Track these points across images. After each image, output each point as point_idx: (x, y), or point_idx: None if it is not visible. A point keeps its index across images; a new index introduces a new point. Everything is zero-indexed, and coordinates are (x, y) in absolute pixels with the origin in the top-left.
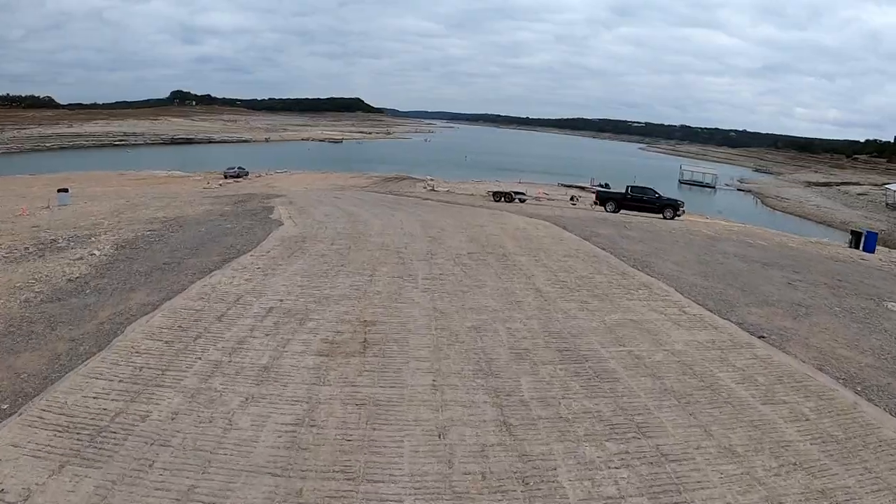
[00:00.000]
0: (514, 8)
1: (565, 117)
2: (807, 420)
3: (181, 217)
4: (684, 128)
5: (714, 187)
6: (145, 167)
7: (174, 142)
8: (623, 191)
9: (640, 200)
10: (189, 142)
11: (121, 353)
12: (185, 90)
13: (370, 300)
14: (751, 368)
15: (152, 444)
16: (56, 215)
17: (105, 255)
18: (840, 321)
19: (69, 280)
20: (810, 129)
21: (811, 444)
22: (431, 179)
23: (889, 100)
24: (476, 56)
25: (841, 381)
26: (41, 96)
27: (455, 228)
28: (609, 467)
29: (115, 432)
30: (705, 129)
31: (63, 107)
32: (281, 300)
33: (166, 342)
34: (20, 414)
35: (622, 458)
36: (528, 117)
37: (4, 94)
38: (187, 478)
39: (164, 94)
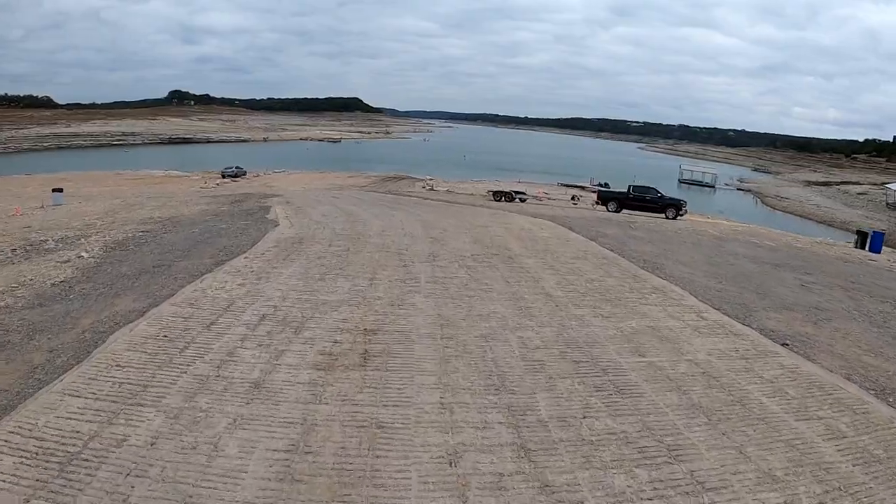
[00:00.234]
0: (512, 8)
1: (564, 117)
2: (844, 437)
3: (176, 217)
4: (683, 127)
5: (714, 187)
6: (143, 167)
7: (172, 141)
8: (625, 190)
9: (643, 200)
10: (187, 141)
11: (100, 367)
12: (183, 90)
13: (370, 306)
14: (779, 380)
15: (128, 474)
16: (49, 215)
17: (93, 258)
18: (860, 326)
19: (53, 284)
20: (809, 129)
21: (853, 466)
22: (431, 179)
23: (887, 99)
24: (475, 56)
25: (872, 392)
26: (39, 96)
27: (457, 229)
28: (642, 499)
29: (87, 460)
30: (704, 128)
31: (61, 107)
32: (275, 307)
33: (150, 354)
34: None
35: (655, 488)
36: (526, 117)
37: (3, 94)
38: None
39: (163, 94)
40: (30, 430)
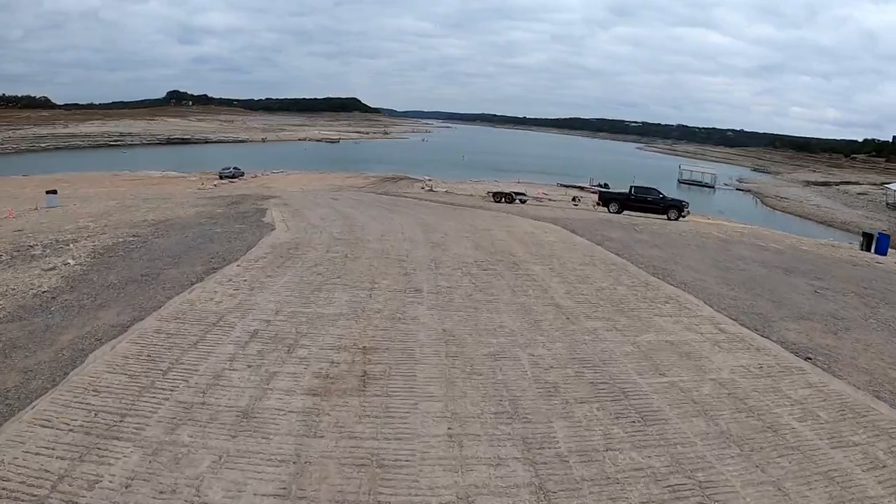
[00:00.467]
0: (510, 8)
1: (562, 117)
2: (884, 467)
3: (170, 220)
4: (681, 127)
5: (713, 187)
6: (140, 168)
7: (170, 142)
8: (626, 191)
9: (644, 201)
10: (185, 142)
11: (76, 392)
12: (182, 90)
13: (369, 320)
14: (809, 401)
15: None
16: (42, 218)
17: (80, 265)
18: (880, 336)
19: (35, 294)
20: (808, 129)
21: None
22: (430, 180)
23: (886, 99)
24: (473, 56)
25: None
26: (37, 96)
27: (459, 233)
28: None
29: None
30: (702, 128)
31: (59, 107)
32: (268, 321)
33: (130, 377)
34: None
35: None
36: (525, 117)
37: (0, 94)
38: None
39: (162, 94)
40: None
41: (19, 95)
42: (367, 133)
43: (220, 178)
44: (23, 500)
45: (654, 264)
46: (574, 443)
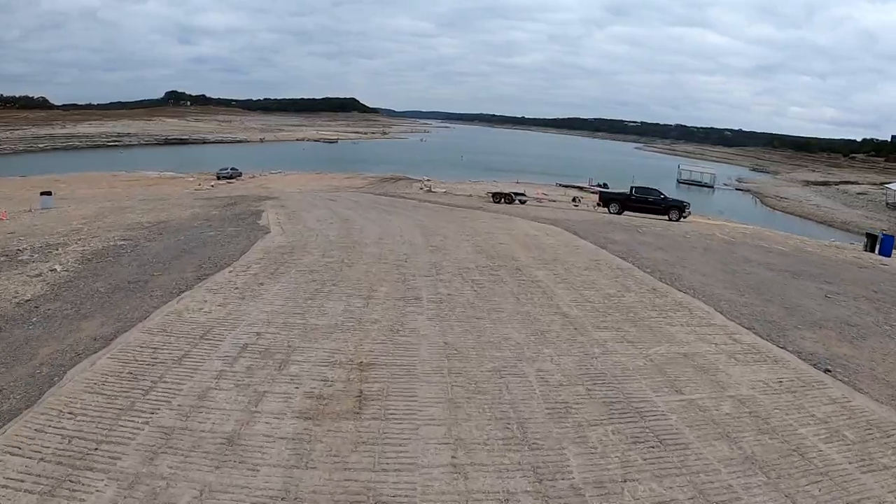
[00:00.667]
0: (506, 7)
1: (561, 117)
2: None
3: (164, 222)
4: (680, 127)
5: (713, 187)
6: (138, 168)
7: (168, 142)
8: (627, 191)
9: (645, 202)
10: (183, 142)
11: (50, 415)
12: (181, 90)
13: (366, 332)
14: (833, 419)
15: None
16: (36, 220)
17: (67, 271)
18: None
19: (18, 304)
20: (806, 129)
21: None
22: (428, 180)
23: (885, 99)
24: (470, 56)
25: None
26: (35, 97)
27: (459, 236)
28: None
29: None
30: (701, 128)
31: (57, 107)
32: (258, 334)
33: (109, 397)
34: None
35: None
36: (523, 117)
37: None
38: None
39: (160, 94)
40: None
41: (17, 96)
42: (366, 133)
43: (218, 178)
44: None
45: (661, 268)
46: (589, 472)
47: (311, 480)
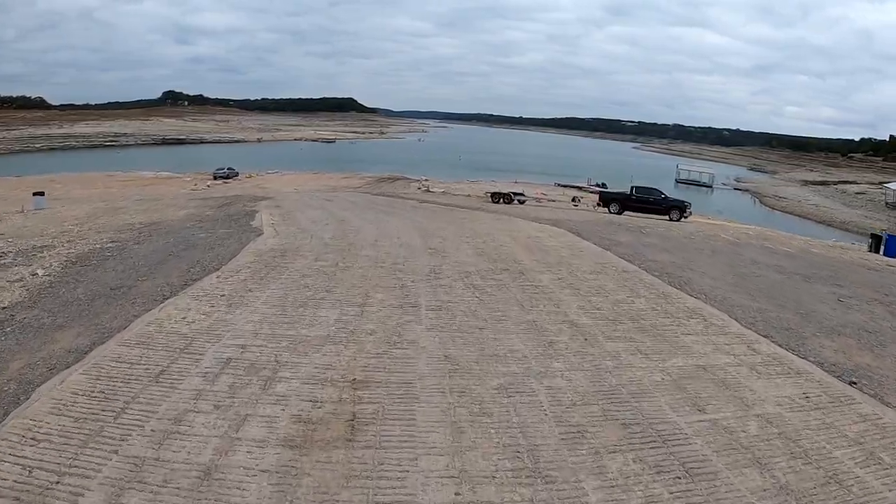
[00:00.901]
0: (504, 7)
1: (559, 116)
2: None
3: (156, 223)
4: (678, 126)
5: (711, 186)
6: (135, 168)
7: (165, 142)
8: (627, 191)
9: (646, 201)
10: (181, 142)
11: (11, 440)
12: (178, 90)
13: (361, 345)
14: (866, 439)
15: None
16: (27, 221)
17: (49, 276)
18: None
19: None
20: (804, 128)
21: None
22: (426, 180)
23: (882, 99)
24: (468, 55)
25: None
26: (32, 97)
27: (458, 237)
28: None
29: None
30: (699, 127)
31: (54, 107)
32: (243, 347)
33: (77, 420)
34: None
35: None
36: (521, 117)
37: None
38: None
39: (158, 94)
40: None
41: (14, 96)
42: (364, 133)
43: (214, 178)
44: None
45: (669, 271)
46: None
47: None
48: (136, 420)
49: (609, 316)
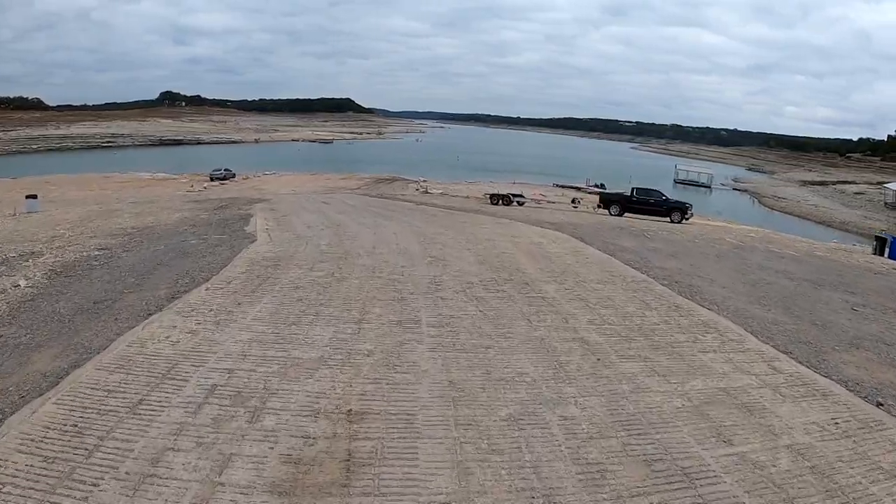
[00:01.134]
0: (501, 7)
1: (556, 117)
2: None
3: (149, 228)
4: (675, 127)
5: (710, 187)
6: (131, 169)
7: (163, 143)
8: (627, 192)
9: (646, 203)
10: (178, 143)
11: None
12: (175, 91)
13: (357, 368)
14: None
15: None
16: (18, 225)
17: (31, 287)
18: None
19: None
20: (802, 128)
21: None
22: (424, 181)
23: (880, 98)
24: (465, 56)
25: None
26: (30, 97)
27: (459, 244)
28: None
29: None
30: (696, 128)
31: (51, 108)
32: (229, 371)
33: (45, 459)
34: None
35: None
36: (518, 117)
37: None
38: None
39: (155, 95)
40: None
41: (11, 97)
42: (361, 133)
43: (211, 179)
44: None
45: (677, 279)
46: None
47: None
48: (111, 460)
49: (621, 332)
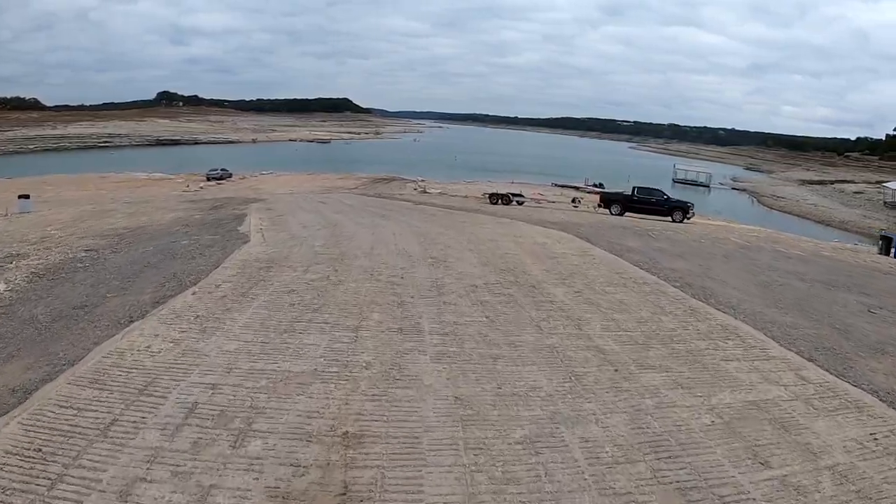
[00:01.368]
0: (500, 7)
1: (554, 116)
2: None
3: (141, 228)
4: (673, 126)
5: (708, 186)
6: (128, 169)
7: (160, 143)
8: (628, 192)
9: (648, 202)
10: (175, 143)
11: None
12: (173, 91)
13: (354, 383)
14: None
15: None
16: (9, 226)
17: (11, 291)
18: None
19: None
20: (800, 128)
21: None
22: (422, 181)
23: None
24: (464, 55)
25: None
26: (27, 98)
27: (461, 244)
28: None
29: None
30: (694, 127)
31: (49, 108)
32: (213, 387)
33: (4, 490)
34: None
35: None
36: (516, 117)
37: None
38: None
39: (153, 95)
40: None
41: (9, 97)
42: (359, 133)
43: (208, 179)
44: None
45: (689, 281)
46: None
47: None
48: (74, 493)
49: (638, 339)
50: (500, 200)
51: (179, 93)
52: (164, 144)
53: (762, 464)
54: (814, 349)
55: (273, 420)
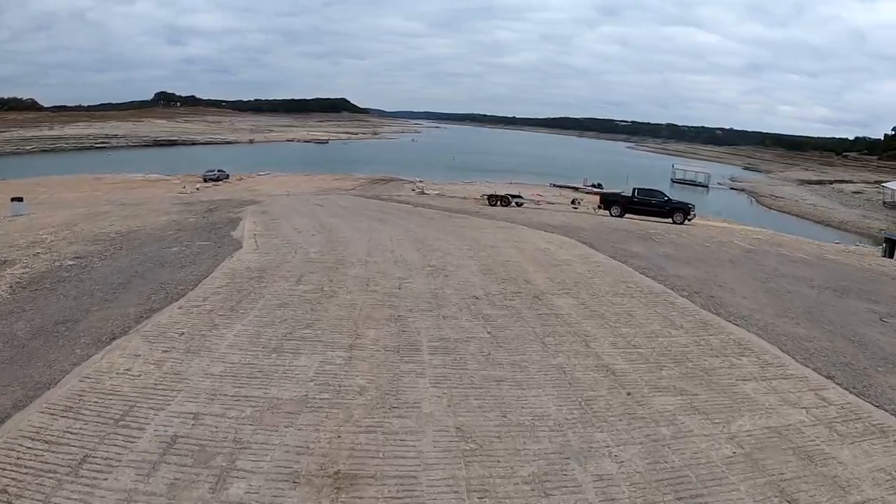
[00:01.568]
0: (496, 7)
1: (552, 116)
2: None
3: (134, 232)
4: (671, 126)
5: (707, 186)
6: (125, 170)
7: (157, 143)
8: (628, 193)
9: (648, 204)
10: (172, 143)
11: None
12: (170, 91)
13: (348, 412)
14: None
15: None
16: (1, 229)
17: None
18: None
19: None
20: (798, 127)
21: None
22: (420, 181)
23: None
24: (461, 55)
25: None
26: (24, 98)
27: (460, 251)
28: None
29: None
30: (692, 127)
31: (46, 109)
32: (195, 416)
33: None
34: None
35: None
36: (514, 117)
37: None
38: None
39: (150, 95)
40: None
41: (6, 97)
42: (357, 133)
43: (204, 180)
44: None
45: (697, 289)
46: None
47: None
48: None
49: (649, 356)
50: (498, 202)
51: (177, 93)
52: (161, 145)
53: (789, 502)
54: (831, 365)
55: (257, 457)
